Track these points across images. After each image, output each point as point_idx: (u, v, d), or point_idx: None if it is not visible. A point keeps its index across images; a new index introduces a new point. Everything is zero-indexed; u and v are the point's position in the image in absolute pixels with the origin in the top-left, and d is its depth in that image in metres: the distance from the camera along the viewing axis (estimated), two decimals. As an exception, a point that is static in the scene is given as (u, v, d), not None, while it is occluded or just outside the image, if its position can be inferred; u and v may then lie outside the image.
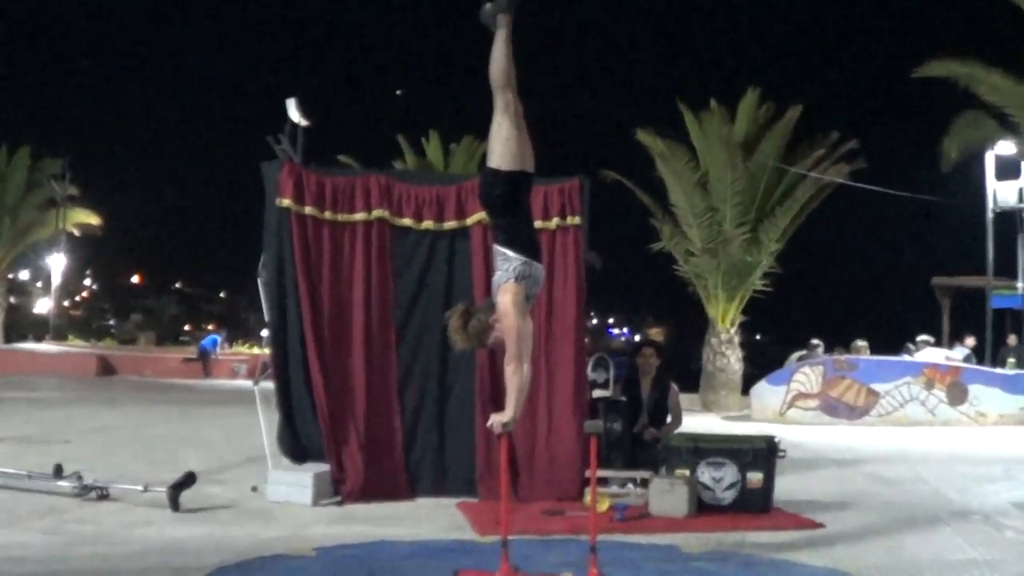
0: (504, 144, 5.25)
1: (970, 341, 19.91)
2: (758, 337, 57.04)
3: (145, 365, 30.51)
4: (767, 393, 17.76)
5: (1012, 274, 22.29)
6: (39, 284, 54.03)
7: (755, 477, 7.49)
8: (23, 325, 48.15)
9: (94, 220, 39.07)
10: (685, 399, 10.63)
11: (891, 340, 21.19)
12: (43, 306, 49.70)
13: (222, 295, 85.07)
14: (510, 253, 5.26)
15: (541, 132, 5.84)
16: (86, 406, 17.07)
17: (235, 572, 5.44)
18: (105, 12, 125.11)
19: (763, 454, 7.56)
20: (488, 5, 5.28)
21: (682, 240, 21.49)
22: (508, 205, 5.32)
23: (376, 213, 8.18)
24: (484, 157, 5.58)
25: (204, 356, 30.40)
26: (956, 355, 18.65)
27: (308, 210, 8.05)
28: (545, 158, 5.79)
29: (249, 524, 6.77)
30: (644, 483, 7.78)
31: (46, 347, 34.21)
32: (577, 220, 8.27)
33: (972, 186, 22.76)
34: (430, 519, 7.15)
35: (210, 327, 60.30)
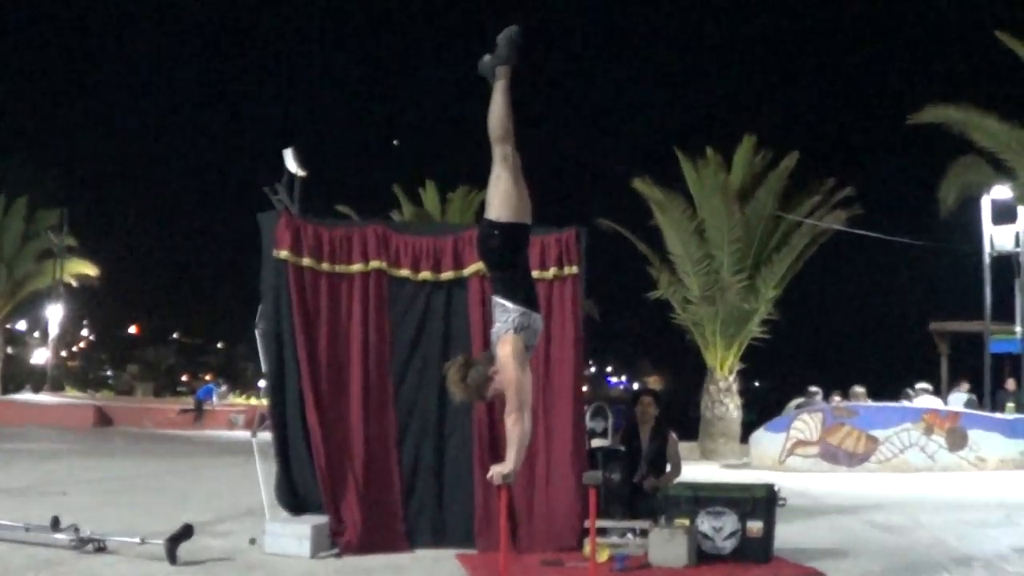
0: (503, 196, 5.28)
1: (965, 385, 19.92)
2: (757, 384, 56.90)
3: (142, 416, 30.42)
4: (766, 441, 17.70)
5: (1010, 318, 22.28)
6: (36, 334, 53.97)
7: (755, 526, 7.44)
8: (20, 375, 47.93)
9: (91, 271, 39.17)
10: (684, 447, 10.61)
11: (890, 386, 21.18)
12: (40, 356, 49.57)
13: (220, 345, 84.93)
14: (509, 304, 5.28)
15: (538, 181, 5.87)
16: (83, 457, 16.99)
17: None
18: (101, 60, 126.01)
19: (763, 502, 7.51)
20: (487, 57, 5.35)
21: (680, 288, 21.54)
22: (507, 256, 5.34)
23: (373, 264, 8.19)
24: (482, 208, 5.61)
25: (199, 405, 30.36)
26: (955, 400, 18.65)
27: (306, 261, 8.06)
28: (542, 207, 5.82)
29: (247, 577, 6.73)
30: (644, 533, 7.72)
31: (43, 398, 34.11)
32: (575, 270, 8.29)
33: (969, 231, 22.85)
34: (429, 571, 7.10)
35: (207, 377, 60.23)
